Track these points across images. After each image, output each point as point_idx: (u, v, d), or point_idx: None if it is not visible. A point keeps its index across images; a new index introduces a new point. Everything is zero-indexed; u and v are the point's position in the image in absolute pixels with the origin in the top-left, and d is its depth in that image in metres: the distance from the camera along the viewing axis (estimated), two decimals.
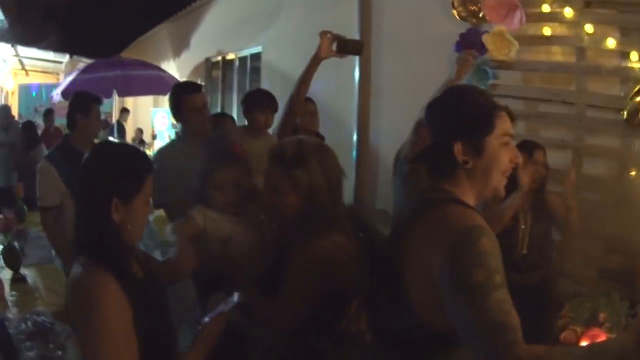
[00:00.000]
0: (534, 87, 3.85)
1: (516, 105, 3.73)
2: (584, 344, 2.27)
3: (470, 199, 1.60)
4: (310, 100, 3.71)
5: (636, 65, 3.43)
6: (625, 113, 3.35)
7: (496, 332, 1.33)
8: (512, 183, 2.99)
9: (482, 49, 3.80)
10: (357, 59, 4.95)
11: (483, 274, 1.37)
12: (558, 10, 3.71)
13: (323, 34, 3.04)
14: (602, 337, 2.26)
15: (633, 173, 3.36)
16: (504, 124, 1.58)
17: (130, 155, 1.68)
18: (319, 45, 3.03)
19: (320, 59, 3.05)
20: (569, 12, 3.66)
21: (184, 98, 3.27)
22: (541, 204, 3.31)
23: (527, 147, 3.24)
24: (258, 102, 3.44)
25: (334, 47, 3.02)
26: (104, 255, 1.52)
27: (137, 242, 1.72)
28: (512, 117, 1.63)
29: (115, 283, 1.48)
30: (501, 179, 1.60)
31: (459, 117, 1.60)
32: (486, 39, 3.80)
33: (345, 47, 3.05)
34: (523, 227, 3.26)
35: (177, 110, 3.33)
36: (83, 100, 3.80)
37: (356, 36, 4.84)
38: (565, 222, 3.29)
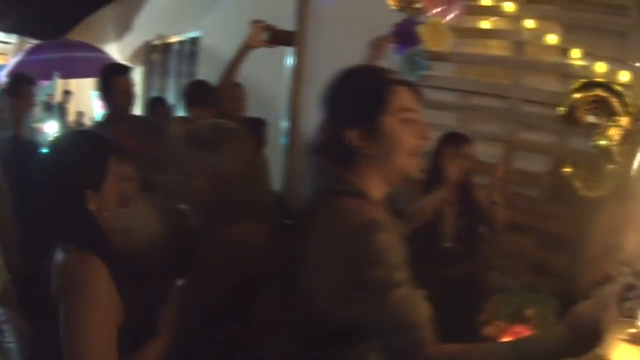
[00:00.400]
0: (468, 79, 3.80)
1: (449, 97, 3.83)
2: (505, 340, 2.23)
3: (376, 187, 1.48)
4: (237, 84, 3.61)
5: (577, 62, 3.46)
6: (563, 109, 3.34)
7: (401, 331, 1.28)
8: (437, 175, 3.01)
9: (417, 39, 3.71)
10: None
11: (381, 271, 1.29)
12: (498, 4, 3.69)
13: (254, 23, 2.99)
14: (526, 334, 2.21)
15: (567, 169, 3.35)
16: (401, 99, 1.43)
17: (90, 143, 1.70)
18: (249, 35, 3.00)
19: (250, 48, 3.03)
20: (509, 6, 3.66)
21: (112, 78, 3.35)
22: (467, 197, 3.29)
23: (454, 139, 3.25)
24: (198, 96, 3.41)
25: (265, 36, 2.98)
26: (86, 241, 1.57)
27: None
28: (415, 90, 1.49)
29: (103, 265, 1.52)
30: (409, 160, 1.45)
31: (347, 99, 1.48)
32: (421, 30, 3.73)
33: (276, 38, 3.04)
34: (448, 219, 3.23)
35: (105, 90, 3.41)
36: (14, 81, 3.90)
37: (291, 23, 4.73)
38: (491, 216, 3.26)
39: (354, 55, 3.21)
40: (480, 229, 3.38)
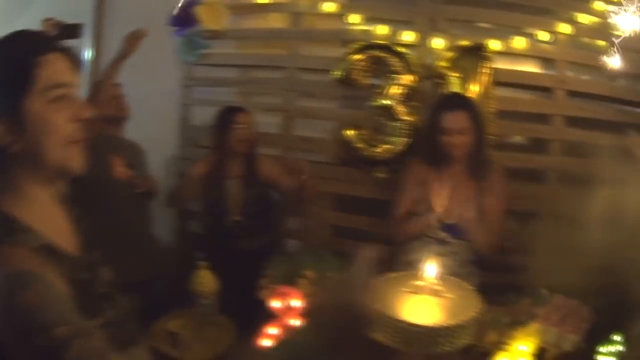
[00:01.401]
0: (247, 54, 3.71)
1: (230, 72, 3.73)
2: (275, 302, 2.09)
3: (37, 195, 1.17)
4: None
5: (357, 27, 3.49)
6: (339, 73, 3.35)
7: None
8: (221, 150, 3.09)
9: (195, 20, 3.66)
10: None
11: (44, 336, 0.98)
12: None
13: (44, 22, 3.10)
14: (294, 295, 2.08)
15: (349, 131, 3.31)
16: (50, 72, 1.12)
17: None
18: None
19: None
20: None
21: None
22: (252, 169, 3.22)
23: (230, 112, 3.21)
24: None
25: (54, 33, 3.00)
26: None
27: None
28: (70, 57, 1.18)
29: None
30: (65, 149, 1.14)
31: None
32: (198, 11, 3.64)
33: (64, 32, 3.15)
34: (234, 193, 3.16)
35: None
36: None
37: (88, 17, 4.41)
38: (279, 185, 3.25)
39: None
40: (271, 200, 3.33)
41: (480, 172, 2.72)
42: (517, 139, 3.63)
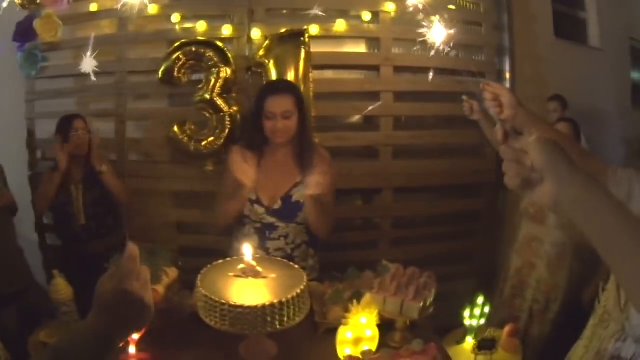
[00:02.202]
0: (81, 63, 3.72)
1: (68, 82, 3.72)
2: None
3: None
4: None
5: (178, 26, 3.53)
6: (160, 73, 3.39)
7: None
8: None
9: (34, 34, 3.68)
10: None
11: None
12: None
13: None
14: None
15: (175, 129, 3.37)
16: None
17: None
18: None
19: None
20: None
21: None
22: (90, 173, 3.25)
23: (64, 120, 3.27)
24: None
25: None
26: None
27: None
28: None
29: None
30: None
31: None
32: (35, 24, 3.66)
33: None
34: (76, 198, 3.21)
35: None
36: None
37: None
38: (115, 188, 3.31)
39: None
40: (113, 201, 3.35)
41: (305, 154, 2.74)
42: (352, 118, 3.71)
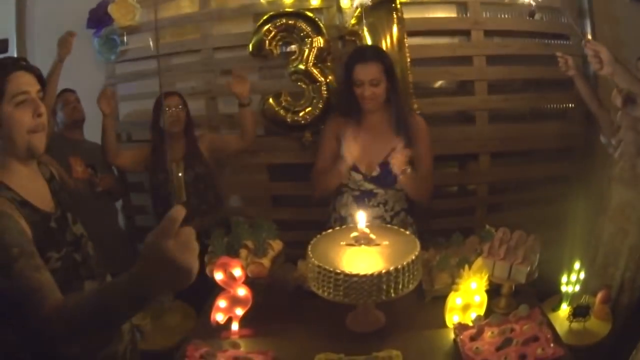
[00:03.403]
0: (163, 43, 3.71)
1: (150, 64, 3.67)
2: (218, 274, 2.12)
3: (19, 169, 1.60)
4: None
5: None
6: (251, 46, 3.34)
7: (23, 299, 1.33)
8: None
9: (109, 19, 3.68)
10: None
11: (2, 253, 1.37)
12: None
13: None
14: (233, 264, 2.10)
15: (271, 101, 3.34)
16: (15, 84, 1.54)
17: None
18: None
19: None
20: None
21: None
22: (191, 149, 3.23)
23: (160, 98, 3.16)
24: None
25: None
26: None
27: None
28: (32, 71, 1.59)
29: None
30: (30, 137, 1.58)
31: None
32: (110, 9, 3.66)
33: None
34: (179, 175, 3.09)
35: None
36: None
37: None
38: (216, 161, 3.33)
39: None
40: (213, 178, 3.34)
41: (400, 121, 2.71)
42: (442, 83, 3.65)
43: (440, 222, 3.46)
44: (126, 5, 3.63)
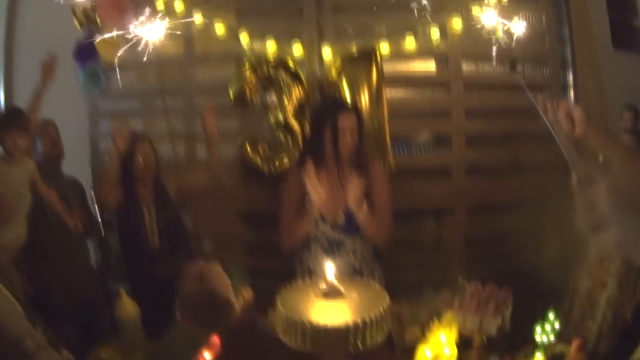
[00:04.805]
0: (146, 83, 3.75)
1: (132, 104, 3.74)
2: None
3: None
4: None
5: (247, 45, 3.48)
6: (231, 93, 3.38)
7: None
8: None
9: (95, 53, 3.66)
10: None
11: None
12: (170, 4, 3.63)
13: None
14: None
15: (247, 149, 3.34)
16: None
17: None
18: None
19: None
20: (178, 6, 3.60)
21: None
22: (161, 193, 3.22)
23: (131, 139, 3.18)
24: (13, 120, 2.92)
25: None
26: None
27: None
28: None
29: None
30: None
31: None
32: (97, 43, 3.63)
33: None
34: (148, 219, 3.15)
35: None
36: None
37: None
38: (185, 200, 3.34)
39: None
40: (183, 222, 3.35)
41: (362, 165, 2.78)
42: (422, 136, 3.67)
43: (413, 274, 3.46)
44: (112, 41, 3.65)
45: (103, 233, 3.67)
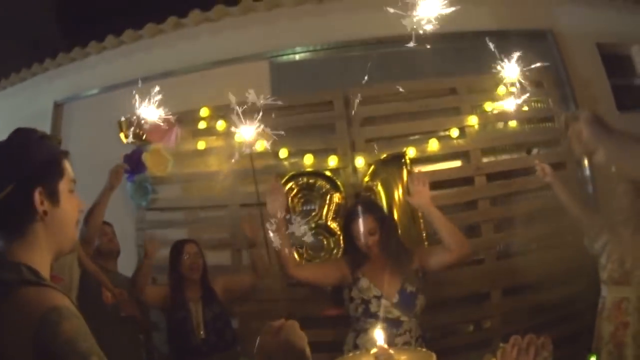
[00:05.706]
0: (191, 196, 4.05)
1: (178, 215, 4.00)
2: None
3: (45, 257, 1.40)
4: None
5: (285, 161, 3.85)
6: None
7: None
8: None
9: (143, 167, 4.00)
10: None
11: None
12: (212, 124, 4.00)
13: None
14: None
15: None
16: (69, 169, 1.45)
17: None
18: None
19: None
20: (220, 125, 3.95)
21: None
22: (207, 291, 3.49)
23: (178, 245, 3.51)
24: None
25: None
26: None
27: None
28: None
29: None
30: (74, 229, 1.46)
31: (29, 160, 1.39)
32: (145, 157, 3.97)
33: None
34: (195, 313, 3.40)
35: None
36: None
37: None
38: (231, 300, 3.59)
39: (96, 185, 3.42)
40: (228, 317, 3.56)
41: (402, 260, 3.01)
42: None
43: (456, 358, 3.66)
44: (159, 156, 3.96)
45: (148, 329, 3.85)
